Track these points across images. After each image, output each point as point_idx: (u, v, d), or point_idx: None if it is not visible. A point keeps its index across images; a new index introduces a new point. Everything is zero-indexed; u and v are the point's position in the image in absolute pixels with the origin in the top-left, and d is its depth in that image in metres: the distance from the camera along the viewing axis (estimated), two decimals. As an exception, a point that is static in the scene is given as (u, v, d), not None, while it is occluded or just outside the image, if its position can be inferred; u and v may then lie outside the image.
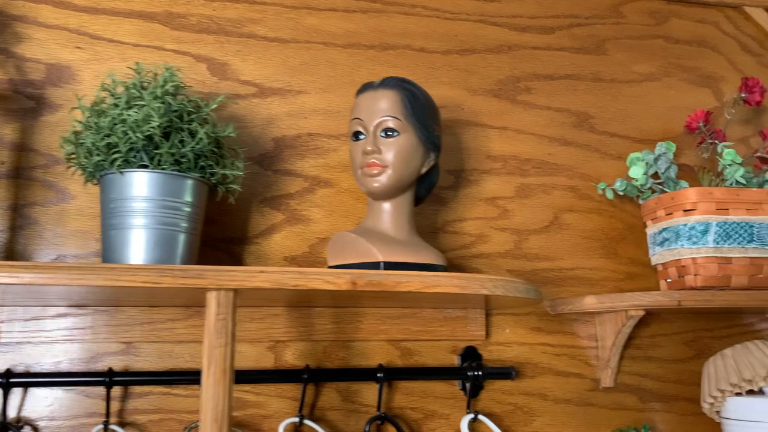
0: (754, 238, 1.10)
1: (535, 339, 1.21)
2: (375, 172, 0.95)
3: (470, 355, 1.16)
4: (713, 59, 1.43)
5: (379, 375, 1.07)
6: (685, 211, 1.12)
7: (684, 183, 1.22)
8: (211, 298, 0.76)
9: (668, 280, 1.17)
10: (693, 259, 1.10)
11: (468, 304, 1.12)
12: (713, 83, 1.41)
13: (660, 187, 1.21)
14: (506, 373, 1.13)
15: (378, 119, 0.95)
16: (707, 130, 1.25)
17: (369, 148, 0.94)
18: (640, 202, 1.24)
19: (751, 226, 1.10)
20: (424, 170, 1.00)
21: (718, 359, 1.18)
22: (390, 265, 0.91)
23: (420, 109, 0.97)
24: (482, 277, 0.83)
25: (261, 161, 1.16)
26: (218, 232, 1.12)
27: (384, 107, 0.95)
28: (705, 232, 1.09)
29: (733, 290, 1.09)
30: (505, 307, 1.20)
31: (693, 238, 1.10)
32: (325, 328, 1.11)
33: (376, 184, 0.95)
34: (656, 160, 1.23)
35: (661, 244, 1.15)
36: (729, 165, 1.14)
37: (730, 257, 1.09)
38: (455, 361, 1.16)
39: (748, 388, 1.12)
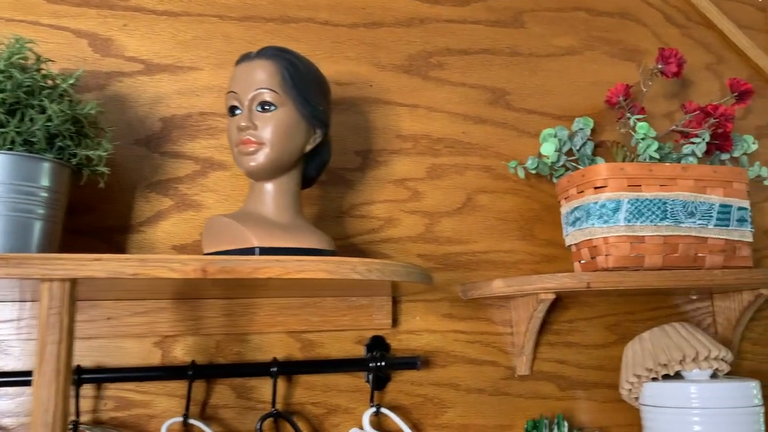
0: (668, 216, 1.04)
1: (446, 326, 1.15)
2: (251, 149, 0.87)
3: (377, 345, 1.10)
4: (637, 32, 1.37)
5: (272, 369, 1.00)
6: (596, 188, 1.06)
7: (600, 160, 1.16)
8: (44, 289, 0.68)
9: (582, 262, 1.11)
10: (604, 238, 1.05)
11: (372, 292, 1.06)
12: (637, 56, 1.35)
13: (574, 164, 1.15)
14: (411, 362, 1.07)
15: (253, 92, 0.88)
16: (627, 104, 1.19)
17: (243, 124, 0.87)
18: (554, 180, 1.18)
19: (665, 203, 1.05)
20: (308, 148, 0.92)
21: (636, 343, 1.13)
22: (267, 251, 0.84)
23: (302, 81, 0.90)
24: (354, 260, 0.77)
25: (147, 143, 1.08)
26: (98, 221, 1.03)
27: (260, 79, 0.88)
28: (616, 209, 1.04)
29: (647, 271, 1.04)
30: (413, 293, 1.13)
31: (604, 216, 1.04)
32: (215, 321, 1.04)
33: (252, 163, 0.87)
34: (572, 136, 1.18)
35: (573, 223, 1.10)
36: (642, 139, 1.08)
37: (643, 236, 1.04)
38: (362, 352, 1.10)
39: (664, 372, 1.07)
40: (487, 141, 1.24)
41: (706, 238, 1.07)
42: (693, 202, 1.06)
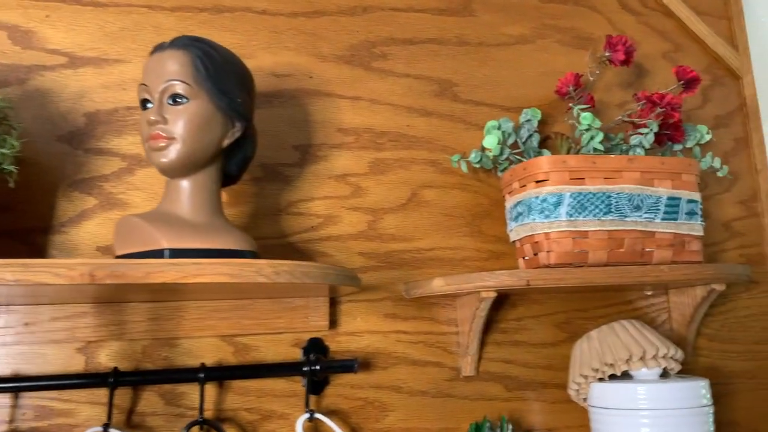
0: (612, 210, 1.00)
1: (389, 326, 1.11)
2: (161, 145, 0.82)
3: (314, 347, 1.06)
4: (591, 19, 1.33)
5: (199, 375, 0.96)
6: (538, 182, 1.02)
7: (547, 153, 1.12)
8: None
9: (525, 258, 1.07)
10: (546, 234, 1.00)
11: (307, 292, 1.01)
12: (590, 45, 1.31)
13: (519, 157, 1.11)
14: (348, 365, 1.02)
15: (164, 84, 0.83)
16: (576, 94, 1.15)
17: (153, 118, 0.82)
18: (499, 174, 1.14)
19: (609, 197, 1.00)
20: (226, 143, 0.87)
21: (584, 342, 1.09)
22: (177, 253, 0.79)
23: (217, 72, 0.85)
24: (260, 262, 0.72)
25: (70, 140, 1.03)
26: (17, 221, 0.99)
27: (171, 70, 0.83)
28: (558, 204, 0.99)
29: (591, 267, 1.00)
30: (353, 294, 1.09)
31: (545, 211, 1.00)
32: (141, 325, 0.99)
33: (163, 159, 0.83)
34: (519, 128, 1.13)
35: (516, 218, 1.06)
36: (586, 130, 1.04)
37: (586, 231, 1.00)
38: (299, 355, 1.06)
39: (611, 372, 1.03)
40: (433, 134, 1.20)
41: (654, 232, 1.02)
42: (639, 195, 1.01)
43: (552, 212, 0.99)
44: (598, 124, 1.05)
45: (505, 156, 1.10)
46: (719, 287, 1.09)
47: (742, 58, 1.36)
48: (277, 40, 1.15)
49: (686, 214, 1.04)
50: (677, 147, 1.16)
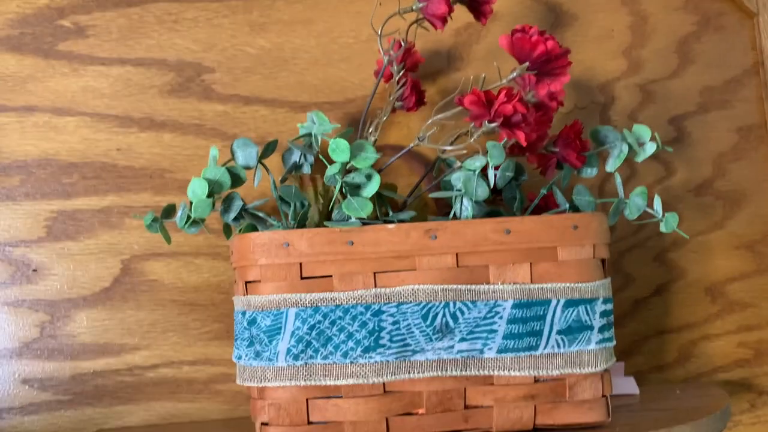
0: (384, 339, 0.48)
1: (72, 506, 0.66)
2: None
3: None
4: (467, -66, 0.76)
5: None
6: (248, 283, 0.51)
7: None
8: None
9: (258, 414, 0.57)
10: (259, 390, 0.51)
11: None
12: (464, -19, 0.75)
13: (262, 214, 0.59)
14: None
15: None
16: (399, 80, 0.62)
17: None
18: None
19: (378, 313, 0.49)
20: None
21: None
22: None
23: None
24: None
25: None
26: None
27: None
28: (275, 332, 0.49)
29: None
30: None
31: (257, 344, 0.50)
32: None
33: None
34: (286, 152, 0.62)
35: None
36: (339, 173, 0.51)
37: (337, 386, 0.49)
38: None
39: None
40: (165, 161, 0.70)
41: (489, 376, 0.50)
42: (447, 305, 0.49)
43: (267, 348, 0.49)
44: (369, 159, 0.51)
45: (234, 214, 0.58)
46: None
47: (757, -18, 0.76)
48: None
49: (561, 332, 0.50)
50: (587, 173, 0.61)
